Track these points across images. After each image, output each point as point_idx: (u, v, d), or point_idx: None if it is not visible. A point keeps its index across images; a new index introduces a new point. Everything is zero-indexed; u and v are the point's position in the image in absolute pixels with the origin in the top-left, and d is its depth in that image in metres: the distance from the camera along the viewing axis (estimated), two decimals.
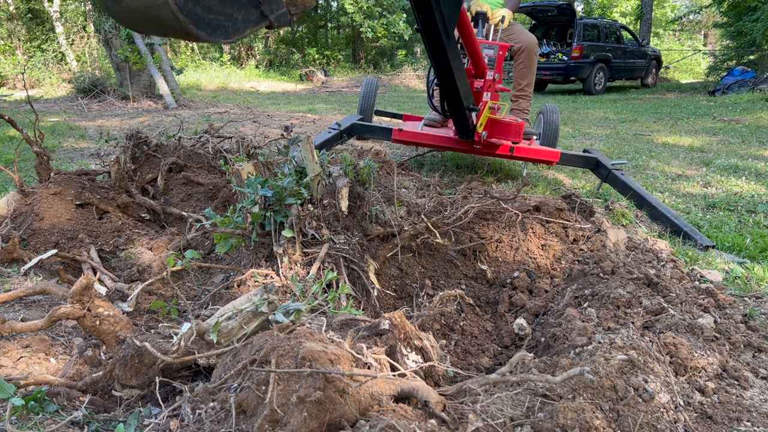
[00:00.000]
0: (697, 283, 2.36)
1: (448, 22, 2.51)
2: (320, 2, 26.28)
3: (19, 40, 17.03)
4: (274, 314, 1.53)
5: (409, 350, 1.50)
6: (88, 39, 15.74)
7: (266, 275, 1.99)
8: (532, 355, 1.53)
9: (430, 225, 2.36)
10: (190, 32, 1.16)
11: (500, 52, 3.66)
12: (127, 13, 1.22)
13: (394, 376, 1.35)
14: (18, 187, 2.66)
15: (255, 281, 2.00)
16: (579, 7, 26.40)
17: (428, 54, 2.79)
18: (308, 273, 1.97)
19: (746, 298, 2.36)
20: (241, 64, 22.24)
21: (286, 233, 2.01)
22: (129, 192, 2.97)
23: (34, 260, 2.27)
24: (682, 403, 1.48)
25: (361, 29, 22.07)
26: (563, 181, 4.56)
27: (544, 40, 15.19)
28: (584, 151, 4.76)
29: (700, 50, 27.97)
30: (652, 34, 20.99)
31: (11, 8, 17.35)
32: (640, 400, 1.37)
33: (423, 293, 2.28)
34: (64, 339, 1.81)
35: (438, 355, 1.59)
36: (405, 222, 2.38)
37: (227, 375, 1.33)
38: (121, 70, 9.70)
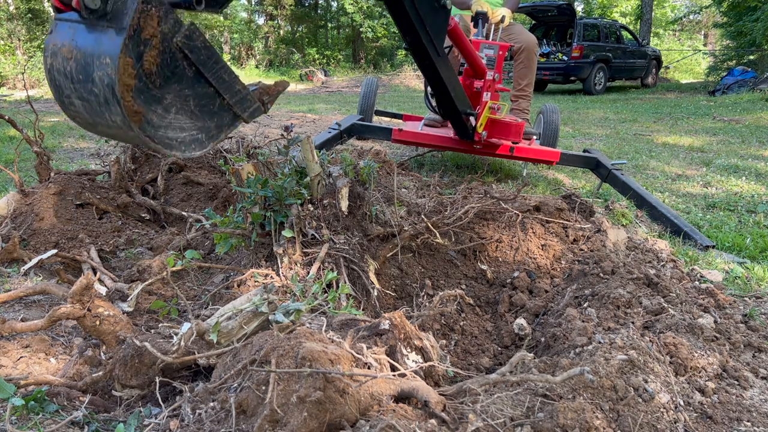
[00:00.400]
0: (697, 283, 2.36)
1: (436, 40, 2.51)
2: (320, 2, 26.29)
3: (19, 40, 17.03)
4: (274, 314, 1.53)
5: (409, 350, 1.50)
6: None
7: (266, 275, 1.99)
8: (532, 355, 1.53)
9: (430, 225, 2.36)
10: (163, 152, 1.18)
11: (500, 52, 3.66)
12: (103, 134, 1.28)
13: (394, 376, 1.35)
14: (18, 187, 2.66)
15: (255, 281, 2.00)
16: (579, 7, 26.39)
17: (420, 70, 2.80)
18: (308, 273, 1.97)
19: (746, 298, 2.35)
20: (242, 64, 22.24)
21: (286, 233, 2.01)
22: (129, 192, 2.97)
23: (34, 260, 2.27)
24: (682, 403, 1.48)
25: (361, 29, 22.08)
26: (563, 181, 4.56)
27: (544, 40, 15.19)
28: (584, 151, 4.76)
29: (700, 50, 27.98)
30: (652, 34, 21.00)
31: (11, 8, 17.35)
32: (640, 400, 1.37)
33: (423, 293, 2.28)
34: (64, 339, 1.81)
35: (438, 355, 1.59)
36: (405, 222, 2.38)
37: (227, 375, 1.33)
38: None
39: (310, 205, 2.12)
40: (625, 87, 16.54)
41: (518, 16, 16.07)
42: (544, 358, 1.63)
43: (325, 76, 19.92)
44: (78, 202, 2.71)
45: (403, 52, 23.83)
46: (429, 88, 3.70)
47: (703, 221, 3.44)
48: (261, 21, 26.15)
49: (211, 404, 1.29)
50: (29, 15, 17.48)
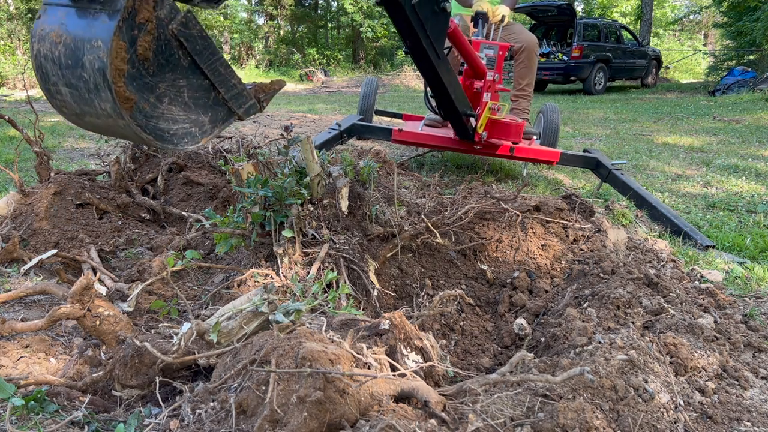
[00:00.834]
0: (697, 283, 2.36)
1: (436, 43, 2.51)
2: (320, 2, 26.29)
3: (19, 40, 17.03)
4: (274, 314, 1.53)
5: (409, 350, 1.50)
6: None
7: (266, 275, 1.99)
8: (532, 355, 1.53)
9: (430, 225, 2.36)
10: (154, 145, 1.15)
11: (500, 52, 3.66)
12: (91, 128, 1.23)
13: (394, 376, 1.35)
14: (18, 187, 2.66)
15: (255, 281, 2.00)
16: (579, 7, 26.40)
17: (420, 72, 2.80)
18: (308, 273, 1.97)
19: (746, 298, 2.35)
20: (242, 64, 22.25)
21: (286, 233, 2.01)
22: (129, 192, 2.97)
23: (34, 260, 2.27)
24: (682, 403, 1.48)
25: (361, 29, 22.08)
26: (563, 181, 4.56)
27: (544, 40, 15.18)
28: (584, 151, 4.76)
29: (700, 50, 27.98)
30: (652, 34, 21.00)
31: (11, 8, 17.35)
32: (640, 400, 1.37)
33: (423, 293, 2.28)
34: (64, 339, 1.81)
35: (438, 355, 1.59)
36: (405, 222, 2.38)
37: (227, 375, 1.33)
38: None
39: (310, 205, 2.12)
40: (625, 87, 16.54)
41: (518, 16, 16.08)
42: (544, 358, 1.63)
43: (325, 76, 19.92)
44: (78, 202, 2.71)
45: (403, 53, 23.86)
46: (429, 89, 3.71)
47: (703, 221, 3.44)
48: (261, 21, 26.16)
49: (211, 404, 1.29)
50: (29, 15, 17.49)
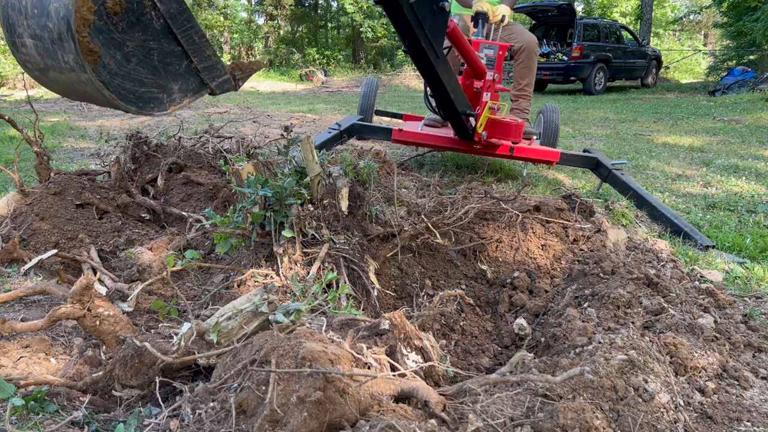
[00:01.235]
0: (697, 283, 2.36)
1: (434, 42, 2.51)
2: (320, 2, 26.29)
3: None
4: (274, 314, 1.53)
5: (409, 350, 1.50)
6: None
7: (266, 275, 1.99)
8: (532, 355, 1.53)
9: (430, 225, 2.36)
10: (118, 106, 1.09)
11: (500, 52, 3.66)
12: (55, 85, 1.19)
13: (394, 376, 1.35)
14: (18, 187, 2.66)
15: (255, 281, 2.00)
16: (579, 7, 26.40)
17: (419, 72, 2.79)
18: (308, 273, 1.97)
19: (746, 298, 2.35)
20: None
21: (286, 233, 2.01)
22: (129, 192, 2.97)
23: (34, 260, 2.27)
24: (682, 403, 1.48)
25: (361, 29, 22.08)
26: (563, 181, 4.56)
27: (544, 40, 15.19)
28: (584, 151, 4.76)
29: (700, 50, 27.99)
30: (652, 34, 21.00)
31: None
32: (640, 400, 1.37)
33: (423, 293, 2.28)
34: (64, 339, 1.81)
35: (438, 355, 1.59)
36: (405, 222, 2.38)
37: (227, 375, 1.33)
38: None
39: (310, 205, 2.12)
40: (625, 87, 16.54)
41: (518, 16, 16.08)
42: (544, 358, 1.63)
43: (325, 76, 19.92)
44: (78, 202, 2.71)
45: (403, 53, 23.86)
46: (429, 89, 3.71)
47: (703, 221, 3.44)
48: (261, 21, 26.17)
49: (211, 404, 1.29)
50: None
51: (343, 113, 8.77)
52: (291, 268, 2.00)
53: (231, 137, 3.84)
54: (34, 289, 1.80)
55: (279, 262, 2.02)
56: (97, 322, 1.61)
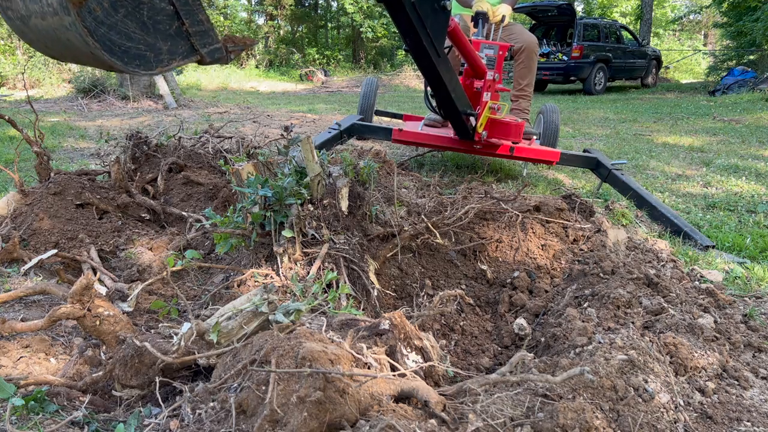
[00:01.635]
0: (697, 283, 2.35)
1: (436, 42, 2.51)
2: (320, 2, 26.29)
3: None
4: (274, 314, 1.53)
5: (409, 350, 1.50)
6: None
7: (266, 275, 1.99)
8: (532, 355, 1.53)
9: (430, 225, 2.36)
10: (101, 58, 1.02)
11: (500, 52, 3.66)
12: (36, 35, 1.11)
13: (394, 376, 1.35)
14: (18, 187, 2.66)
15: (255, 281, 2.00)
16: (579, 7, 26.40)
17: (420, 71, 2.80)
18: (308, 273, 1.97)
19: (746, 298, 2.35)
20: (242, 64, 22.22)
21: (286, 233, 2.01)
22: (129, 192, 2.97)
23: (34, 260, 2.27)
24: (682, 403, 1.48)
25: (361, 29, 22.08)
26: (563, 181, 4.56)
27: (544, 40, 15.19)
28: (584, 151, 4.76)
29: (700, 50, 27.99)
30: (652, 34, 21.00)
31: None
32: (640, 400, 1.37)
33: (423, 293, 2.28)
34: (64, 339, 1.81)
35: (438, 355, 1.59)
36: (405, 222, 2.38)
37: (227, 375, 1.33)
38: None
39: (310, 205, 2.12)
40: (625, 87, 16.54)
41: (518, 16, 16.08)
42: (544, 358, 1.63)
43: (325, 76, 19.91)
44: (78, 202, 2.71)
45: (403, 52, 23.85)
46: (429, 88, 3.71)
47: (703, 221, 3.44)
48: (261, 21, 26.16)
49: (211, 404, 1.29)
50: None
51: (343, 113, 8.77)
52: (291, 268, 2.00)
53: (231, 137, 3.84)
54: (34, 289, 1.80)
55: (279, 262, 2.02)
56: (97, 322, 1.61)
